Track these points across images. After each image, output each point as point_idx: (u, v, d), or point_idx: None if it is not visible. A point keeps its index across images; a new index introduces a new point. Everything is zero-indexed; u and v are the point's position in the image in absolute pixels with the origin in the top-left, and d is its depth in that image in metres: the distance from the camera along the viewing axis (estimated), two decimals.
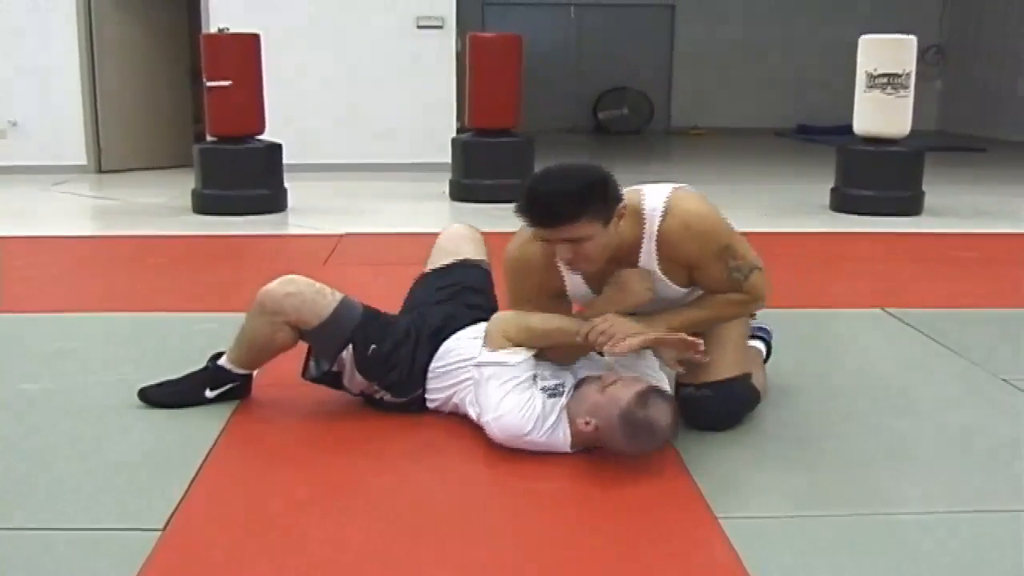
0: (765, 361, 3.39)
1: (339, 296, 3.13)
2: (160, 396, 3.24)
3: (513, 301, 2.97)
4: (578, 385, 2.88)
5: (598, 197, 2.64)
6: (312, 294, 3.10)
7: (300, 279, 3.13)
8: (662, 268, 2.84)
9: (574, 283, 2.92)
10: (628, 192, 2.81)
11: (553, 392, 2.86)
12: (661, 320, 2.86)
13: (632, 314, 2.86)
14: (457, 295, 3.31)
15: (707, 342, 2.90)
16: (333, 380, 3.17)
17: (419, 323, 3.16)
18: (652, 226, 2.77)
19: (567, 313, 2.97)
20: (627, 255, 2.83)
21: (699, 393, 3.00)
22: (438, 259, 3.50)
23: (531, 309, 2.91)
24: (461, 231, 3.62)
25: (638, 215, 2.78)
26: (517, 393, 2.80)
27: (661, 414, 2.69)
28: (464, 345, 3.06)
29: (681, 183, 2.88)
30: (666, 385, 2.98)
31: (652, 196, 2.79)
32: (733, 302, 2.88)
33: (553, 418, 2.80)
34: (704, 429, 2.98)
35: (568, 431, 2.80)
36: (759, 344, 3.42)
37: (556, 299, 2.96)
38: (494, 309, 3.28)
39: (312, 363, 3.15)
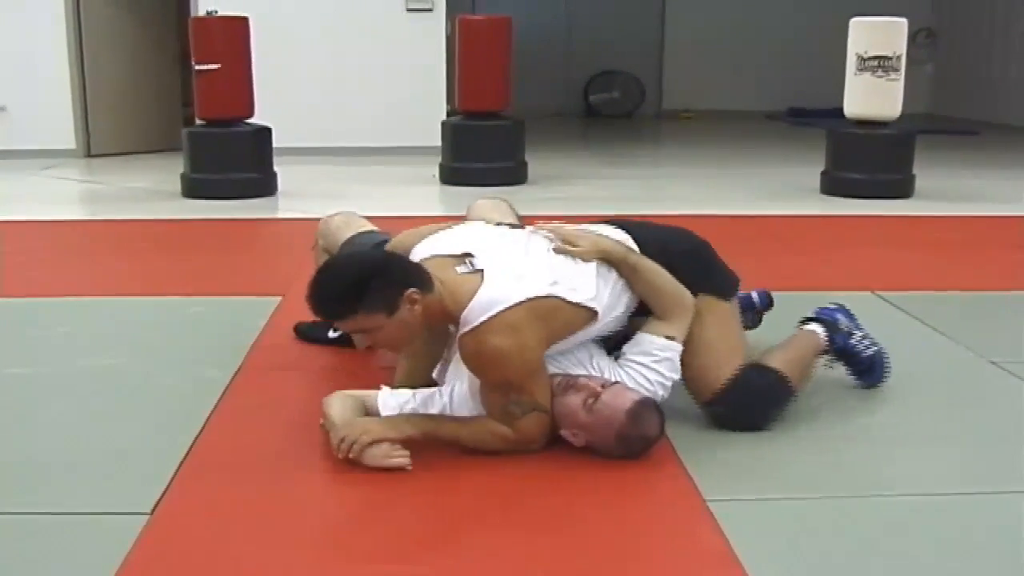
0: (831, 344, 3.18)
1: (361, 230, 3.20)
2: (305, 331, 3.65)
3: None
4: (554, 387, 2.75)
5: (370, 291, 2.55)
6: (340, 224, 3.34)
7: (347, 211, 3.28)
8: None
9: None
10: (468, 275, 2.68)
11: None
12: (413, 423, 2.70)
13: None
14: None
15: (689, 351, 2.86)
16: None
17: None
18: (460, 331, 2.65)
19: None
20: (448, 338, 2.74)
21: (715, 411, 2.92)
22: None
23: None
24: (485, 204, 3.50)
25: (454, 316, 2.65)
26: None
27: (653, 426, 2.68)
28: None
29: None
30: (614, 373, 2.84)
31: (479, 304, 2.61)
32: (495, 433, 2.69)
33: None
34: (748, 431, 2.90)
35: None
36: (816, 327, 3.20)
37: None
38: None
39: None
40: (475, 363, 2.65)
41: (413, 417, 2.73)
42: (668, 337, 2.84)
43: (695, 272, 2.93)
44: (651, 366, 2.82)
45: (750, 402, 2.90)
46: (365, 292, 2.55)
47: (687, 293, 2.87)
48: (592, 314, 2.76)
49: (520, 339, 2.59)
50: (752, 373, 2.93)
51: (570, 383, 2.71)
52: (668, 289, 2.86)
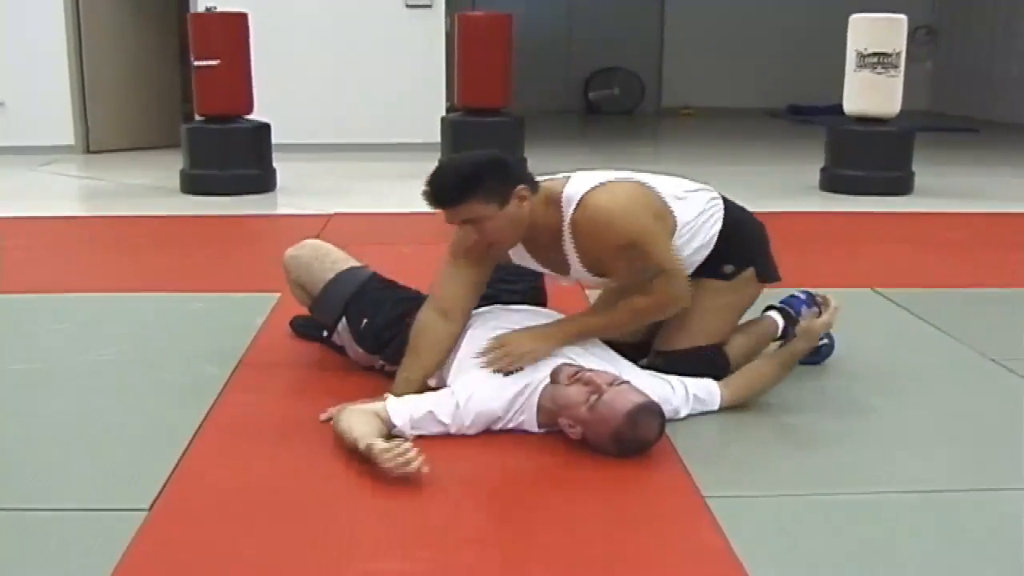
0: (783, 336, 3.34)
1: (343, 265, 3.16)
2: (300, 327, 3.64)
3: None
4: (554, 376, 2.76)
5: (486, 180, 2.72)
6: (311, 259, 3.22)
7: (313, 243, 3.31)
8: (580, 258, 2.87)
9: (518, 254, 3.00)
10: (556, 179, 2.87)
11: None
12: (557, 329, 2.87)
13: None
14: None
15: (686, 310, 2.95)
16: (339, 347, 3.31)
17: (422, 298, 3.08)
18: (567, 214, 2.81)
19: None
20: (552, 241, 2.86)
21: (652, 362, 3.05)
22: None
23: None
24: None
25: (557, 202, 2.83)
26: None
27: (651, 430, 2.67)
28: (475, 332, 2.96)
29: (645, 169, 2.88)
30: (631, 374, 2.89)
31: (575, 184, 2.84)
32: (636, 309, 2.86)
33: (522, 399, 2.78)
34: None
35: (535, 413, 2.78)
36: (774, 315, 3.37)
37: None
38: (533, 290, 3.28)
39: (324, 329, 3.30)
40: (589, 230, 2.78)
41: (562, 323, 2.89)
42: (722, 392, 2.98)
43: (753, 245, 3.12)
44: (690, 385, 2.94)
45: (691, 373, 3.00)
46: (481, 181, 2.71)
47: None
48: (671, 221, 2.92)
49: (625, 198, 2.80)
50: (713, 353, 3.06)
51: (577, 375, 2.71)
52: (773, 383, 3.04)
